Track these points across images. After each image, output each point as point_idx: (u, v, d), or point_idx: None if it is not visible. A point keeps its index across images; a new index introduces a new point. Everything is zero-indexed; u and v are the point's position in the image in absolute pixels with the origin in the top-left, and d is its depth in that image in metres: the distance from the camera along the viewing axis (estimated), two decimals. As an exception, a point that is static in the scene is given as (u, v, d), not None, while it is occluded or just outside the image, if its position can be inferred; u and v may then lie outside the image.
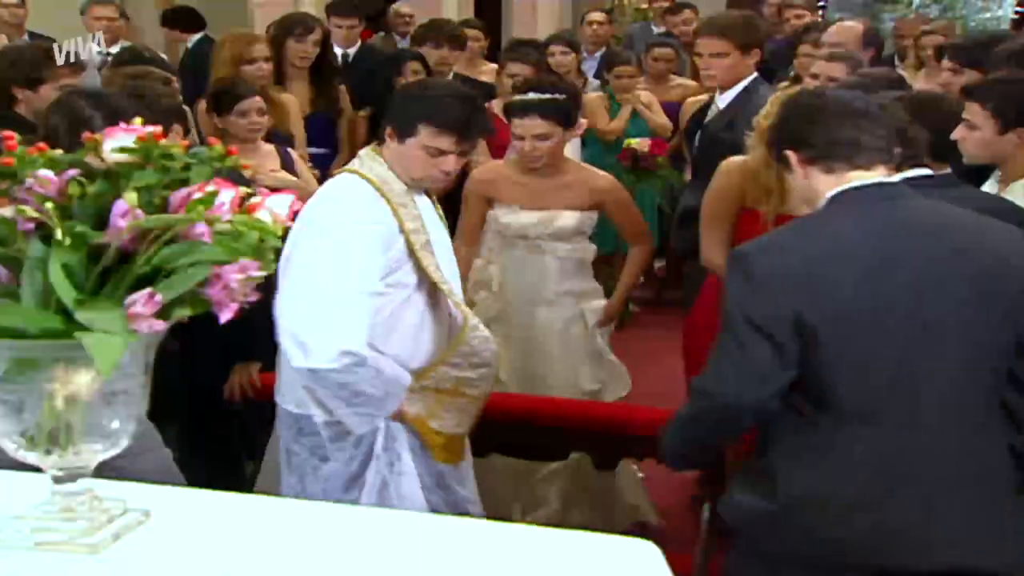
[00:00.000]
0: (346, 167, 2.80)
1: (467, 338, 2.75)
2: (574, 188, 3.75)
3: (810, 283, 2.08)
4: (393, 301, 2.70)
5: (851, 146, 2.18)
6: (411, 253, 2.69)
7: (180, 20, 7.35)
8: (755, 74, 4.33)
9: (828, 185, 2.19)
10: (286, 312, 2.55)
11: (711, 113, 4.37)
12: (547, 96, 3.69)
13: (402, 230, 2.67)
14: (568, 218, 3.72)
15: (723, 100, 4.29)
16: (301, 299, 2.54)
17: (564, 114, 3.67)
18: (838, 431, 2.12)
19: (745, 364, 2.11)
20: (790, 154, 2.24)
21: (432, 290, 2.76)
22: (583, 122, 3.89)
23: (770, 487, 2.16)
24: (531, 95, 3.70)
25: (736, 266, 2.16)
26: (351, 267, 2.56)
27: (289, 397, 2.77)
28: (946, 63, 4.44)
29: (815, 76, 4.28)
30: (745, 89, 4.28)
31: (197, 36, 7.17)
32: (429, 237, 2.74)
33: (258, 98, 4.01)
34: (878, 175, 2.18)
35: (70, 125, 2.51)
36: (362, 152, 2.80)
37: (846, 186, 2.17)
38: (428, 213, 2.79)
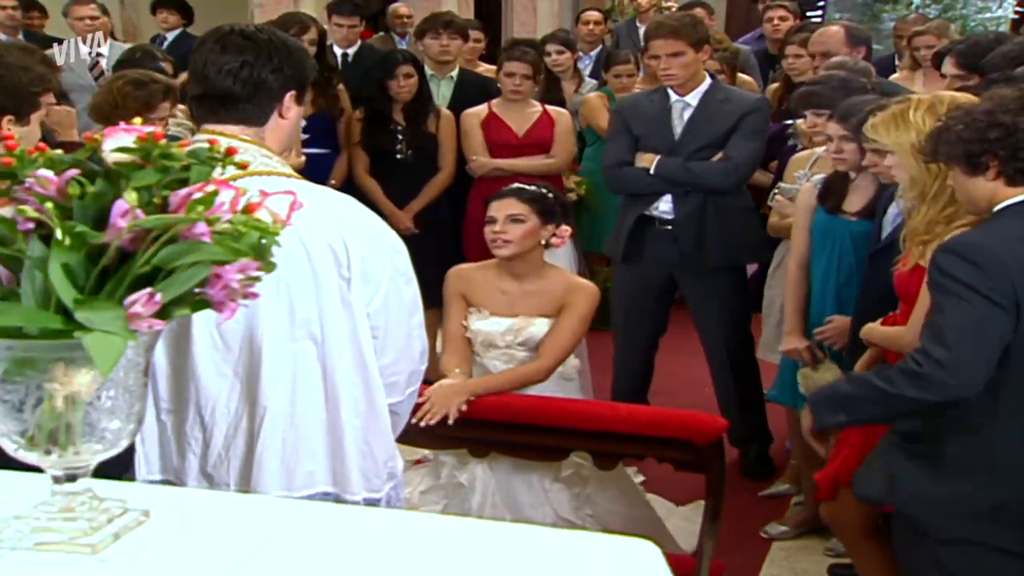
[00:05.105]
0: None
1: None
2: (548, 293, 3.48)
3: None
4: None
5: None
6: None
7: (171, 4, 7.37)
8: (708, 76, 4.48)
9: (1005, 196, 2.45)
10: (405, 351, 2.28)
11: (678, 111, 4.41)
12: (531, 187, 3.50)
13: None
14: (540, 326, 3.45)
15: (693, 97, 4.38)
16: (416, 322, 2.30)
17: (545, 206, 3.44)
18: None
19: None
20: (993, 162, 2.42)
21: None
22: (566, 230, 3.54)
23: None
24: (514, 185, 3.53)
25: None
26: None
27: (363, 481, 2.22)
28: (951, 68, 4.31)
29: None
30: (711, 88, 4.41)
31: (176, 32, 7.19)
32: None
33: None
34: None
35: None
36: None
37: (1021, 197, 2.45)
38: None
